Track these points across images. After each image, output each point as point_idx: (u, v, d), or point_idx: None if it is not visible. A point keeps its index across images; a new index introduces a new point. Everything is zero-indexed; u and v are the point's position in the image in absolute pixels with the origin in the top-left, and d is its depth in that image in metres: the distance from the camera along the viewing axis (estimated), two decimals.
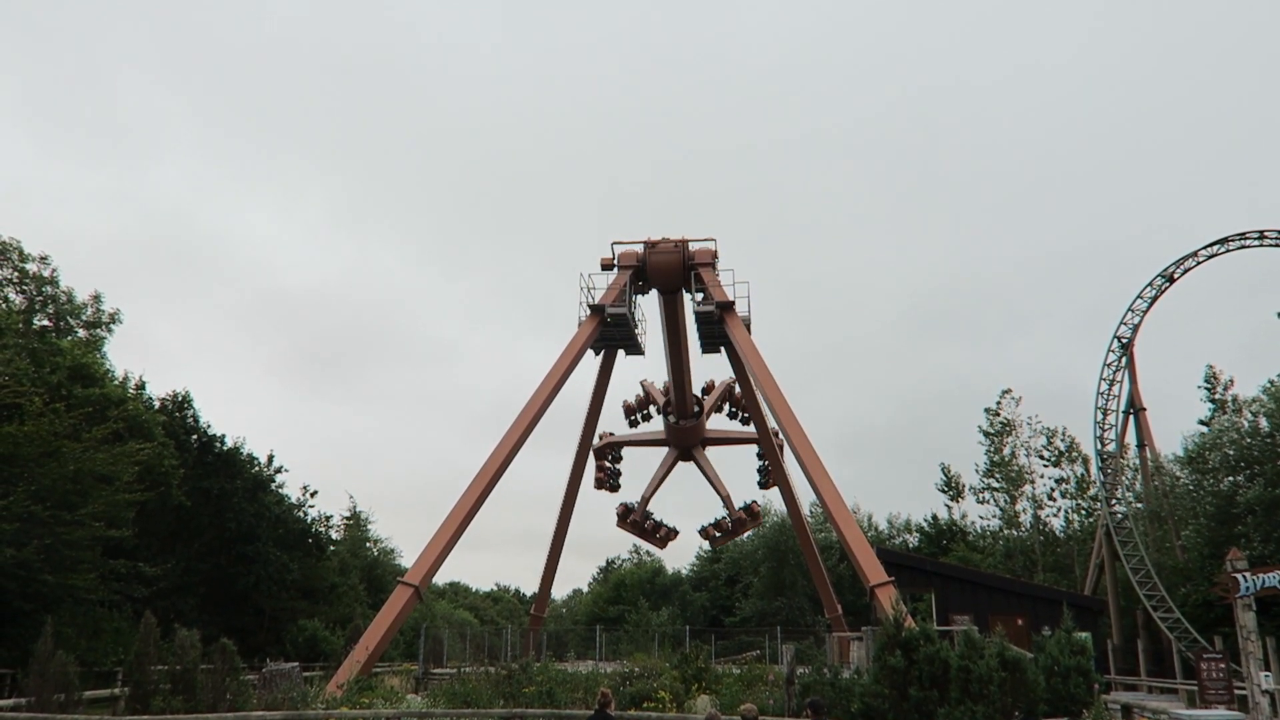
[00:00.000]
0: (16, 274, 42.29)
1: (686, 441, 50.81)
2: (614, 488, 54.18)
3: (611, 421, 55.64)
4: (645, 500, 51.61)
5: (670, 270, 39.95)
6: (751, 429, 50.37)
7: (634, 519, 50.96)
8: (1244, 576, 20.91)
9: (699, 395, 49.93)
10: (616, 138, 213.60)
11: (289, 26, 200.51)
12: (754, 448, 52.32)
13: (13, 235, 42.38)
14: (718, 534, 52.68)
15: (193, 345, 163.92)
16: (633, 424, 53.16)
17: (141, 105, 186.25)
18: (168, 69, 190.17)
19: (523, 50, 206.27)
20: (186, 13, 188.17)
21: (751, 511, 51.70)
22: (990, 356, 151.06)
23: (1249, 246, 43.81)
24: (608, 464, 53.04)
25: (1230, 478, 43.45)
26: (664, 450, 52.84)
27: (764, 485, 52.93)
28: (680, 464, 52.82)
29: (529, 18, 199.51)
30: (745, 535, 79.21)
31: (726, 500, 51.24)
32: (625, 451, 55.12)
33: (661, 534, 52.08)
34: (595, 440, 49.89)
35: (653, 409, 52.32)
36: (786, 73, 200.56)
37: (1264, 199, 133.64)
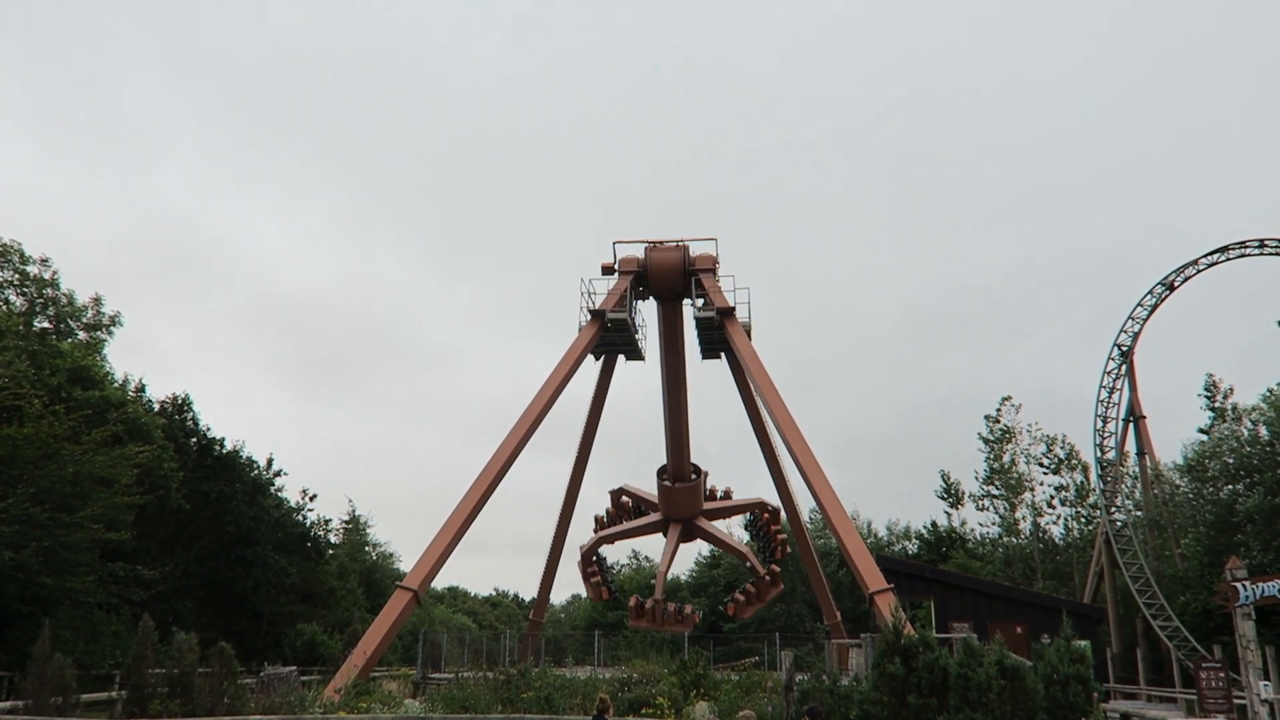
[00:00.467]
0: (17, 276, 42.31)
1: (687, 511, 44.54)
2: (613, 593, 47.75)
3: (584, 520, 51.23)
4: (661, 578, 44.98)
5: (671, 273, 39.89)
6: (753, 496, 47.05)
7: (653, 605, 43.07)
8: (1243, 585, 20.91)
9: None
10: (617, 143, 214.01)
11: (290, 31, 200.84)
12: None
13: (14, 238, 42.44)
14: (744, 599, 44.67)
15: (194, 348, 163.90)
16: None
17: (144, 109, 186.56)
18: (170, 73, 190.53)
19: (524, 54, 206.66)
20: (188, 17, 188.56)
21: (774, 574, 44.32)
22: (990, 363, 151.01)
23: (1249, 255, 43.88)
24: (596, 568, 45.58)
25: (1230, 486, 43.48)
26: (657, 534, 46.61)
27: (771, 559, 44.98)
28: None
29: (531, 22, 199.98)
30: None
31: (750, 562, 44.61)
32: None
33: (686, 613, 44.15)
34: (581, 545, 44.77)
35: (625, 522, 46.78)
36: (787, 79, 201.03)
37: (1264, 207, 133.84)
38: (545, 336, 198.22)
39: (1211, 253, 44.32)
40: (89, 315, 45.50)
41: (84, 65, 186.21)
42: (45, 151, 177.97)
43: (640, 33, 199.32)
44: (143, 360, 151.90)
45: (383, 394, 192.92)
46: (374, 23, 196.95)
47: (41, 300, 43.35)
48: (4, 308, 39.91)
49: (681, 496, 43.69)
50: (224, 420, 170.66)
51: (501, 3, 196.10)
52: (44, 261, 43.32)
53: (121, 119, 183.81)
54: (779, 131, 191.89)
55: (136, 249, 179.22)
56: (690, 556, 79.50)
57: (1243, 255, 43.99)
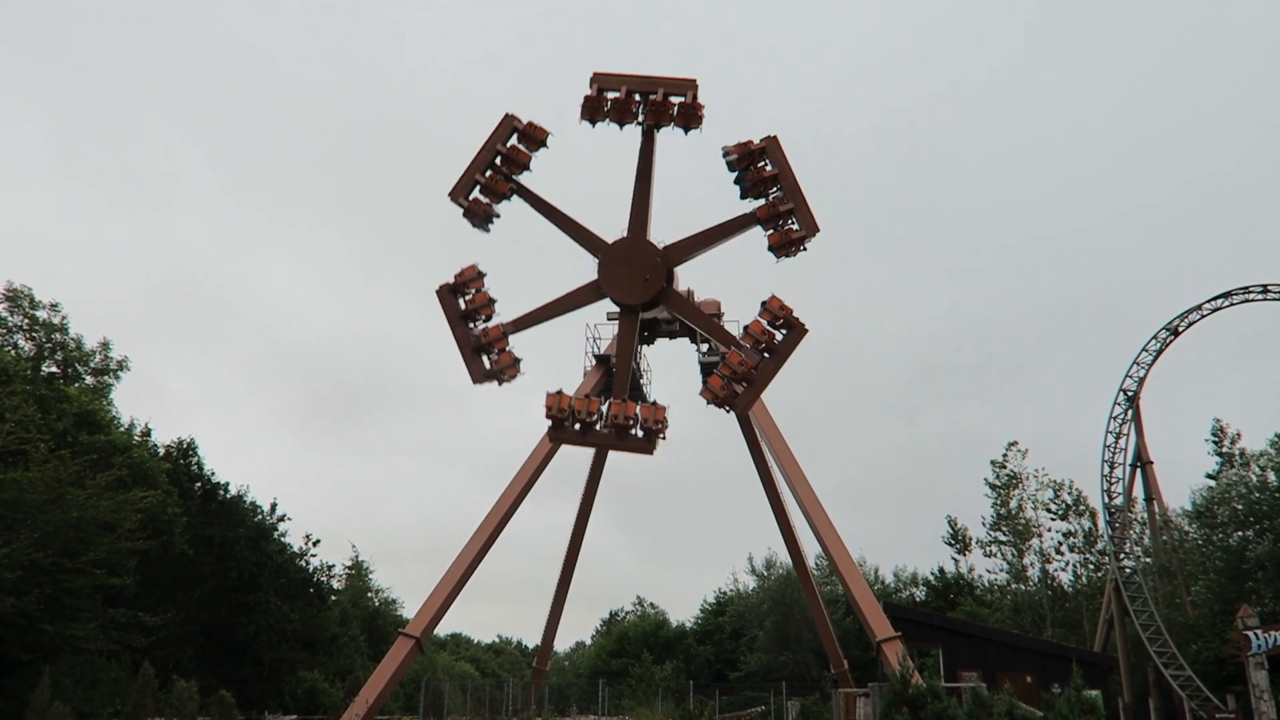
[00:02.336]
0: (26, 321, 42.58)
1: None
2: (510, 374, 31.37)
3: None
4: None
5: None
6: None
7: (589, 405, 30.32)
8: (1255, 634, 20.70)
9: None
10: (622, 190, 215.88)
11: (307, 80, 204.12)
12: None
13: (24, 283, 42.80)
14: (732, 381, 30.20)
15: (206, 393, 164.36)
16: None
17: (164, 157, 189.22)
18: (189, 122, 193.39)
19: (536, 104, 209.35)
20: (208, 66, 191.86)
21: (788, 319, 30.46)
22: (996, 409, 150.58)
23: (1252, 300, 44.02)
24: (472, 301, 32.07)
25: (1239, 532, 43.11)
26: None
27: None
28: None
29: (543, 75, 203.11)
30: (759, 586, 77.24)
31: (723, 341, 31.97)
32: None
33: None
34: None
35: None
36: (790, 124, 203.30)
37: (1267, 253, 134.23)
38: (552, 382, 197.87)
39: (1215, 298, 44.46)
40: (97, 360, 45.71)
41: (104, 114, 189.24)
42: (64, 199, 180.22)
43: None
44: (154, 405, 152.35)
45: (389, 439, 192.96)
46: (390, 72, 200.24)
47: (50, 345, 43.58)
48: (13, 352, 40.12)
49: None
50: (231, 465, 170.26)
51: (520, 54, 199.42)
52: (53, 306, 43.66)
53: (140, 167, 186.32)
54: None
55: (152, 295, 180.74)
56: (696, 606, 78.66)
57: (1246, 300, 44.12)
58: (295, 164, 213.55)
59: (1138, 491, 51.26)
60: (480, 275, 32.47)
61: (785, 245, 31.01)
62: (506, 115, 32.12)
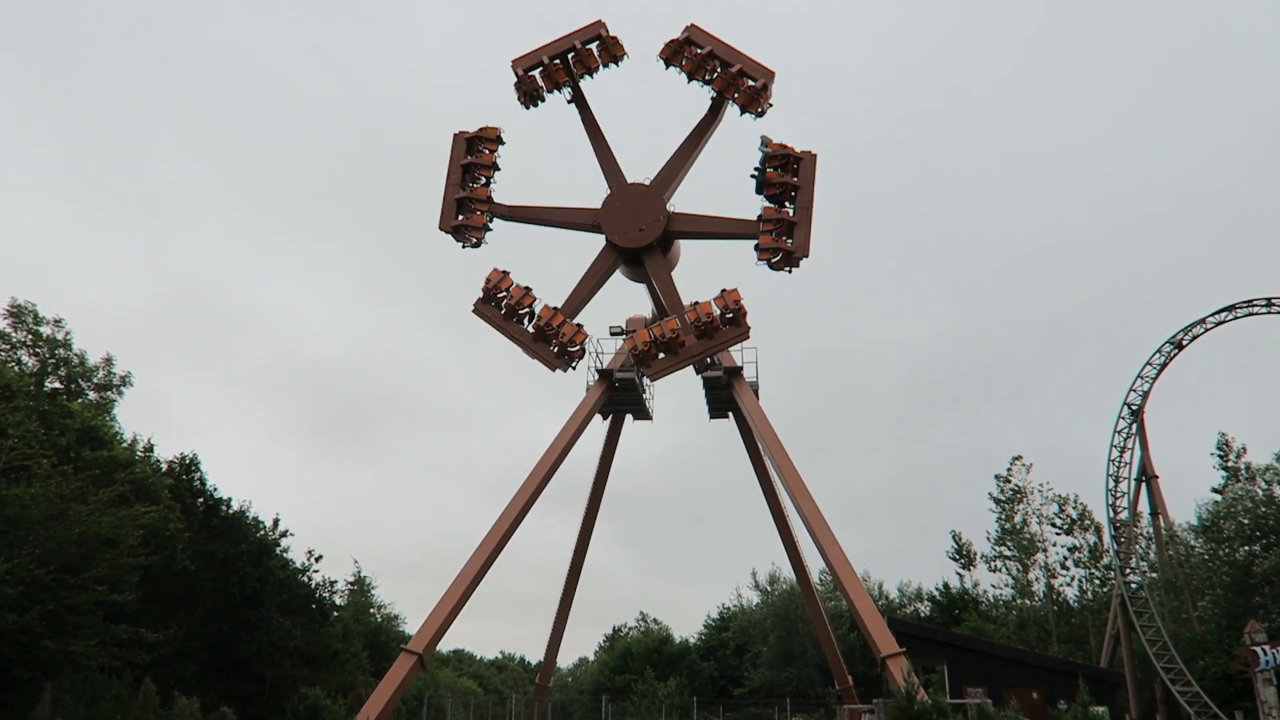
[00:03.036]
0: (30, 336, 42.64)
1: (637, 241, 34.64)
2: (478, 239, 35.23)
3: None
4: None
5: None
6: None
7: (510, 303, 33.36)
8: (1263, 650, 20.58)
9: None
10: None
11: (312, 99, 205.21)
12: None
13: (28, 299, 42.87)
14: (653, 348, 31.75)
15: (210, 409, 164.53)
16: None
17: (172, 175, 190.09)
18: (198, 141, 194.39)
19: (541, 113, 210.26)
20: (213, 85, 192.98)
21: (738, 316, 31.84)
22: (999, 422, 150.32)
23: (1257, 313, 43.98)
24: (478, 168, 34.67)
25: (1246, 547, 42.90)
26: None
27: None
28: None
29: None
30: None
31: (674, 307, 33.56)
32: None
33: (564, 337, 32.98)
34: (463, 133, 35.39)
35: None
36: (791, 133, 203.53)
37: (1271, 266, 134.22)
38: (555, 397, 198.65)
39: (1219, 311, 44.46)
40: (100, 375, 45.75)
41: (109, 131, 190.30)
42: (69, 215, 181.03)
43: (661, 103, 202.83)
44: (157, 421, 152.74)
45: (392, 455, 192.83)
46: (396, 87, 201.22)
47: (53, 360, 43.64)
48: (16, 368, 40.15)
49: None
50: (233, 481, 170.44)
51: None
52: (57, 322, 43.74)
53: (145, 183, 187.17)
54: None
55: (156, 311, 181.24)
56: (698, 618, 78.29)
57: (1250, 313, 44.08)
58: (300, 180, 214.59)
59: (1143, 506, 51.14)
60: (500, 141, 35.13)
61: (771, 250, 32.59)
62: (598, 20, 34.95)
